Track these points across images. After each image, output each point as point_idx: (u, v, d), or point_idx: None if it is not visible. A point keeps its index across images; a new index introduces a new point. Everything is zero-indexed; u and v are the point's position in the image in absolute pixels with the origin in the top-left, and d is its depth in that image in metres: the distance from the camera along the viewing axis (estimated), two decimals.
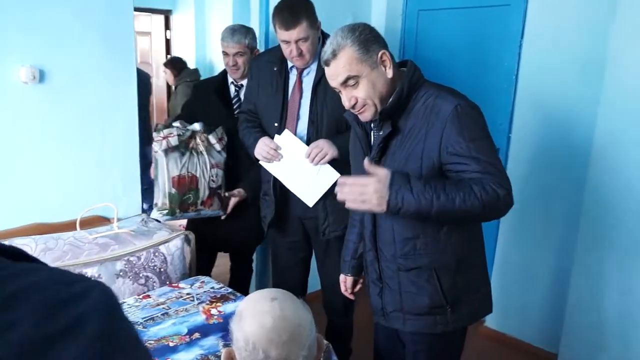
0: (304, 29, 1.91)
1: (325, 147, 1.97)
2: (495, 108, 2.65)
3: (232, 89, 2.49)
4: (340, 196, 1.31)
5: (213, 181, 2.17)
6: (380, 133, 1.44)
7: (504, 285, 2.70)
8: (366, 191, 1.27)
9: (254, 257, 3.04)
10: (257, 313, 0.98)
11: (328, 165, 1.99)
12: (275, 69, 2.09)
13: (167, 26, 4.95)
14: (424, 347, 1.55)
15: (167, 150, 2.08)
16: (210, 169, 2.17)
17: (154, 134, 2.08)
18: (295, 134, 2.05)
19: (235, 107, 2.45)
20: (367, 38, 1.38)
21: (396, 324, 1.55)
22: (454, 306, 1.47)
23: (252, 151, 2.11)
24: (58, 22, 1.93)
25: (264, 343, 0.94)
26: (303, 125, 2.07)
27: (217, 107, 2.41)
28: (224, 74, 2.54)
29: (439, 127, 1.35)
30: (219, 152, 2.23)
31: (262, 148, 2.04)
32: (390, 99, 1.41)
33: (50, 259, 1.70)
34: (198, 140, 2.17)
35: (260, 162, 2.09)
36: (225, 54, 2.39)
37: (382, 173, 1.28)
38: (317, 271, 2.33)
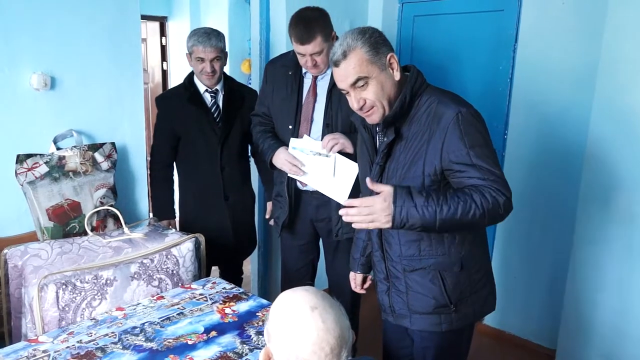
0: (318, 44, 1.94)
1: (341, 139, 1.98)
2: (491, 110, 2.70)
3: (208, 97, 2.34)
4: (347, 218, 1.32)
5: (101, 202, 1.99)
6: (385, 139, 1.47)
7: (502, 283, 2.73)
8: (373, 211, 1.29)
9: (257, 258, 3.09)
10: (298, 325, 0.96)
11: (344, 159, 2.00)
12: (290, 72, 2.12)
13: (162, 33, 4.95)
14: (431, 344, 1.58)
15: (34, 181, 1.85)
16: (96, 190, 1.98)
17: (16, 166, 1.83)
18: (309, 136, 2.08)
19: (215, 115, 2.34)
20: (376, 40, 1.41)
21: (404, 322, 1.58)
22: (458, 306, 1.51)
23: (267, 157, 2.14)
24: (68, 30, 1.96)
25: (306, 356, 0.94)
26: (317, 128, 2.10)
27: (198, 118, 2.30)
28: (189, 82, 2.37)
29: (441, 134, 1.37)
30: (106, 170, 2.03)
31: (287, 166, 2.06)
32: (394, 106, 1.43)
33: (67, 263, 1.72)
34: (79, 160, 1.95)
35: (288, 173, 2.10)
36: (200, 60, 2.24)
37: (386, 190, 1.30)
38: (325, 272, 2.36)
